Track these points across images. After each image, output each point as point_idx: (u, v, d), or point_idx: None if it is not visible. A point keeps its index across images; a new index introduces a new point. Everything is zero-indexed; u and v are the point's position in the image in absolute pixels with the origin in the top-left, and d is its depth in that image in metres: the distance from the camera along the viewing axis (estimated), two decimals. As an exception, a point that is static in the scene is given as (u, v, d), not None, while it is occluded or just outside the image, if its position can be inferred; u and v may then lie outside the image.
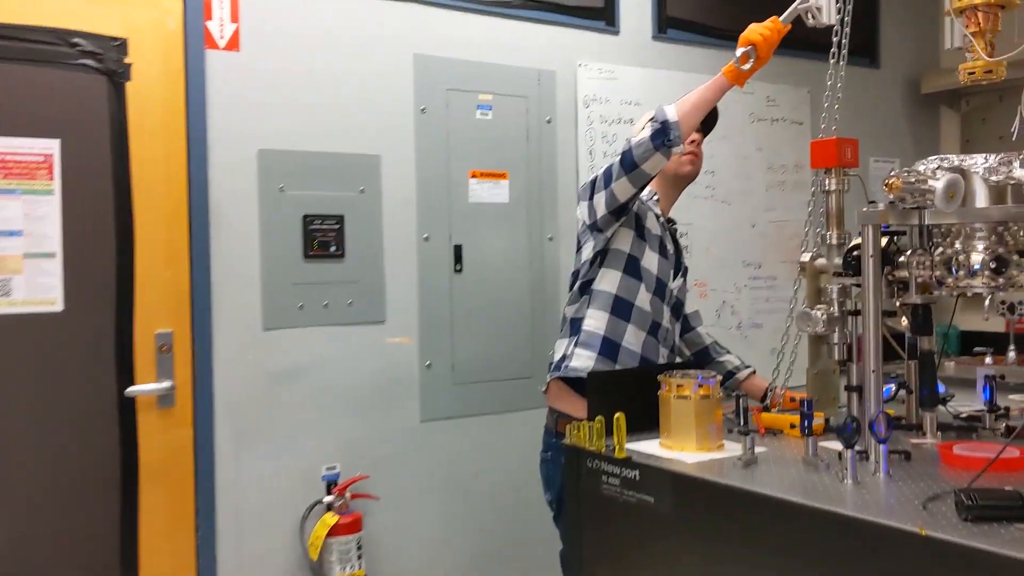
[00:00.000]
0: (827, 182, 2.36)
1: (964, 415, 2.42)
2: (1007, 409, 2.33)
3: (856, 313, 2.31)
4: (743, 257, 3.85)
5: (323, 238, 2.92)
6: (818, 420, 2.29)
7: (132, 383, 2.66)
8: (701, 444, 2.11)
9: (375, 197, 3.02)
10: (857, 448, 1.83)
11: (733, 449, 2.15)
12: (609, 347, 2.49)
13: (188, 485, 2.74)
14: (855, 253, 2.19)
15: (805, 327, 2.29)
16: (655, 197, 2.66)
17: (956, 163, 1.93)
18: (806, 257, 2.39)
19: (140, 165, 2.67)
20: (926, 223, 1.98)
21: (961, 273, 1.94)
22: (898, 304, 2.23)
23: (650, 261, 2.54)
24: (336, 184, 2.95)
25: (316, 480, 2.91)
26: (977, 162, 1.91)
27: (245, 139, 2.80)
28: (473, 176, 3.20)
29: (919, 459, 2.02)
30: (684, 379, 2.12)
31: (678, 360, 2.73)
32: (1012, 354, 3.71)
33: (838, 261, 2.32)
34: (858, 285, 2.24)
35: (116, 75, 2.63)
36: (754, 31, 2.41)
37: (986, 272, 1.92)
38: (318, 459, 2.92)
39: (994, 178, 1.89)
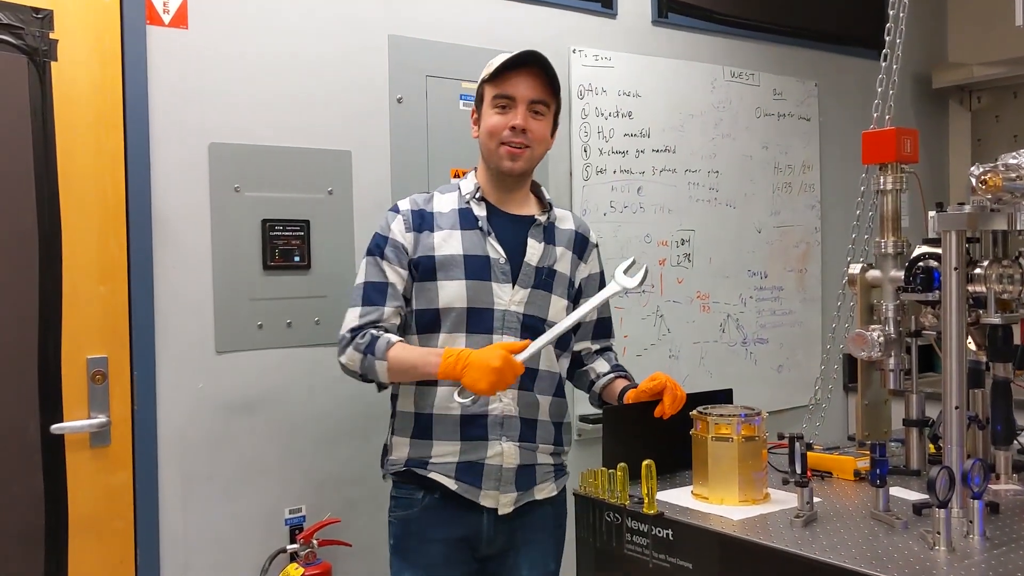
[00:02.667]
0: (882, 180, 2.02)
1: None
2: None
3: (916, 335, 1.98)
4: (748, 266, 3.52)
5: (285, 246, 2.53)
6: (863, 460, 1.96)
7: (59, 419, 2.25)
8: (745, 495, 1.77)
9: (345, 199, 2.63)
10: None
11: (780, 499, 1.81)
12: (422, 425, 2.02)
13: (127, 538, 2.34)
14: (922, 264, 1.86)
15: (860, 351, 1.96)
16: (477, 194, 2.08)
17: (1058, 157, 1.60)
18: (856, 268, 2.05)
19: (68, 162, 2.26)
20: None
21: (1059, 290, 1.61)
22: (968, 323, 1.91)
23: (451, 295, 1.99)
24: (300, 184, 2.56)
25: (279, 526, 2.52)
26: (1081, 156, 1.58)
27: (194, 132, 2.41)
28: (455, 175, 2.83)
29: (1009, 512, 1.69)
30: (723, 417, 1.77)
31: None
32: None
33: (896, 274, 1.98)
34: (929, 303, 1.91)
35: (39, 54, 2.23)
36: (481, 379, 1.82)
37: (1093, 289, 1.59)
38: (281, 502, 2.53)
39: (1105, 175, 1.56)
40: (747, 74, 3.51)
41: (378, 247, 2.04)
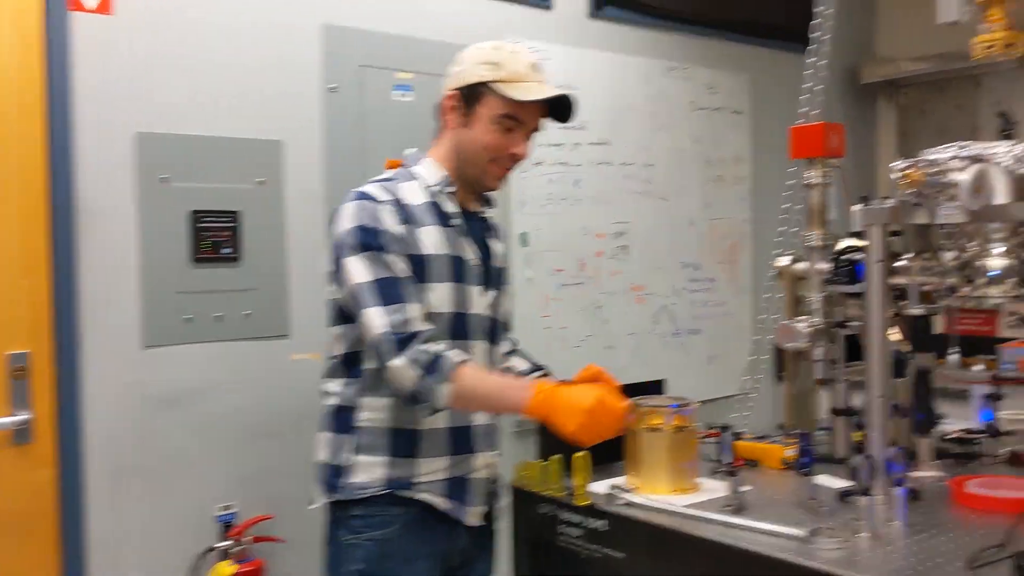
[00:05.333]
0: (809, 174, 2.06)
1: (951, 435, 2.17)
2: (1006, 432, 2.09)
3: (842, 325, 2.02)
4: (681, 258, 3.56)
5: (215, 238, 2.48)
6: (791, 449, 2.00)
7: (-22, 416, 2.18)
8: (675, 484, 1.79)
9: (276, 190, 2.59)
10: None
11: (711, 488, 1.83)
12: (403, 442, 1.82)
13: (51, 538, 2.27)
14: (846, 257, 1.90)
15: (787, 341, 1.99)
16: (448, 189, 1.91)
17: (977, 151, 1.64)
18: (784, 261, 2.09)
19: (-14, 150, 2.19)
20: (946, 222, 1.69)
21: (982, 281, 1.66)
22: (892, 314, 1.96)
23: (440, 299, 1.82)
24: (230, 175, 2.51)
25: (209, 523, 2.47)
26: (1000, 151, 1.62)
27: (120, 121, 2.35)
28: (391, 167, 2.80)
29: (929, 499, 1.74)
30: (655, 408, 1.79)
31: None
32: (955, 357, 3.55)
33: (822, 266, 2.02)
34: (854, 294, 1.95)
35: (-47, 39, 2.15)
36: (569, 421, 1.65)
37: (1009, 280, 1.65)
38: (211, 498, 2.48)
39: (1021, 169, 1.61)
40: (682, 68, 3.55)
41: (375, 240, 1.76)
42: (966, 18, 1.84)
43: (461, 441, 1.84)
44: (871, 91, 4.28)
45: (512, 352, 2.12)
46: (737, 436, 1.82)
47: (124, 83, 2.35)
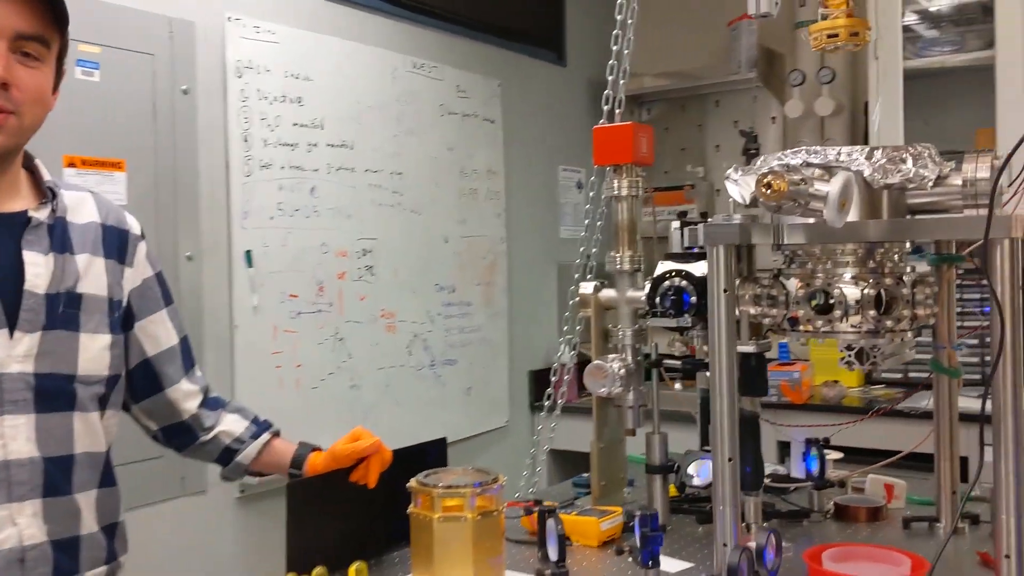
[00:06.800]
0: (615, 184, 1.71)
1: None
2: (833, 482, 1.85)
3: (657, 364, 1.70)
4: (436, 280, 3.14)
5: None
6: (614, 518, 1.63)
7: None
8: (479, 586, 1.34)
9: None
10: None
11: (520, 585, 1.41)
12: None
13: None
14: (669, 283, 1.57)
15: (599, 386, 1.62)
16: None
17: (830, 157, 1.36)
18: (587, 288, 1.72)
19: None
20: (811, 242, 1.40)
21: (838, 312, 1.38)
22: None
23: None
24: None
25: None
26: (858, 157, 1.35)
27: None
28: (71, 164, 2.16)
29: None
30: (454, 489, 1.34)
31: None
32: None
33: (634, 294, 1.68)
34: (677, 329, 1.62)
35: None
36: None
37: (871, 312, 1.38)
38: None
39: (889, 180, 1.34)
40: (430, 66, 3.15)
41: None
42: (777, 10, 1.57)
43: None
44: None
45: (211, 401, 1.53)
46: (551, 513, 1.42)
47: None
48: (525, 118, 3.61)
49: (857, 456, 2.14)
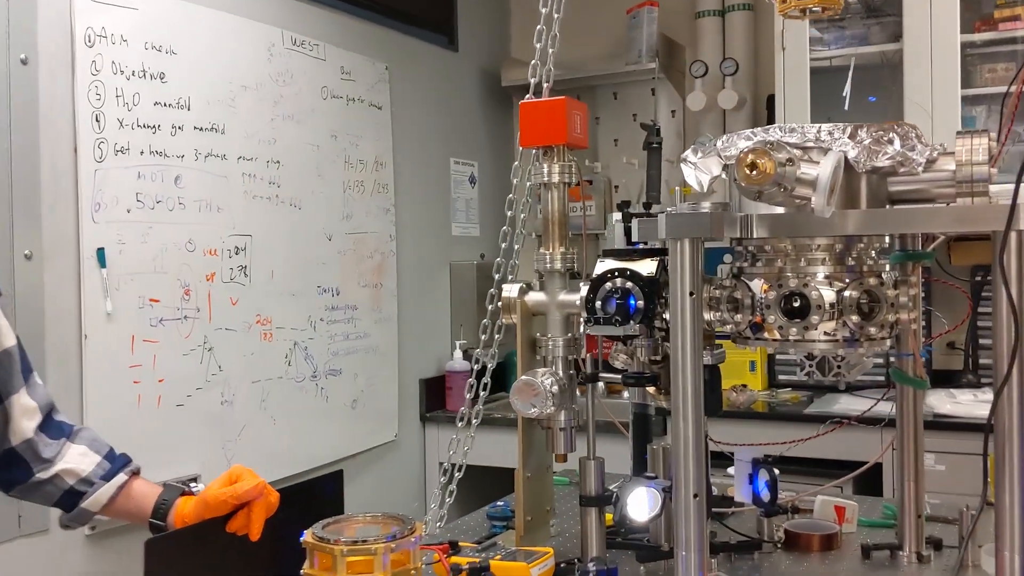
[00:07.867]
0: (545, 170, 1.47)
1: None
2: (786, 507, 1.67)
3: (592, 380, 1.47)
4: (318, 281, 2.83)
5: None
6: (544, 562, 1.40)
7: None
8: (395, 662, 1.08)
9: None
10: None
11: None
12: None
13: None
14: (611, 285, 1.34)
15: (528, 407, 1.38)
16: None
17: (809, 136, 1.16)
18: (512, 291, 1.47)
19: None
20: (803, 234, 1.19)
21: (815, 318, 1.18)
22: (652, 360, 1.44)
23: None
24: None
25: None
26: (840, 137, 1.15)
27: None
28: None
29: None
30: (361, 545, 1.07)
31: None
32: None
33: (568, 298, 1.45)
34: (620, 339, 1.40)
35: None
36: None
37: (853, 318, 1.18)
38: None
39: (877, 163, 1.15)
40: (311, 44, 2.84)
41: None
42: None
43: None
44: (510, 95, 3.91)
45: (53, 425, 1.24)
46: (484, 571, 1.17)
47: None
48: (415, 106, 3.34)
49: (787, 467, 1.97)
